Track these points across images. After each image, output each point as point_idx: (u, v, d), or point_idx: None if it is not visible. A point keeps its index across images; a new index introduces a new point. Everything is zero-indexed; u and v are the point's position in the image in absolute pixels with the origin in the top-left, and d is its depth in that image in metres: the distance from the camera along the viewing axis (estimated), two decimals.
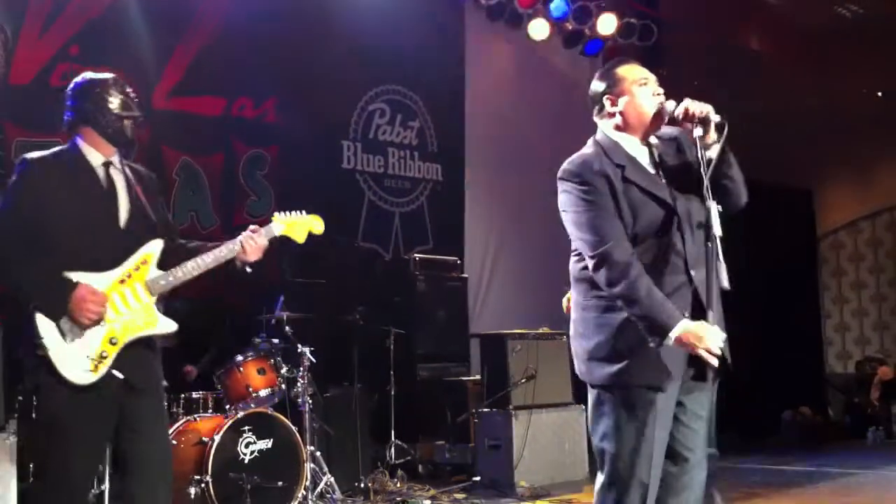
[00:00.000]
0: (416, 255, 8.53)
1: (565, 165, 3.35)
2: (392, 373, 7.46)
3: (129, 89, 3.70)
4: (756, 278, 9.94)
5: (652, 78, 3.38)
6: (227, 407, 5.91)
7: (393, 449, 7.32)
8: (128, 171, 3.70)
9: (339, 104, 8.80)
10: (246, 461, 5.53)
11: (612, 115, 3.36)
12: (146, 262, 3.56)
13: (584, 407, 6.87)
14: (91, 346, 3.42)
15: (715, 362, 3.06)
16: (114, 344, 3.45)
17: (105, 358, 3.43)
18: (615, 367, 3.20)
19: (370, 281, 8.23)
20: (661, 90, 3.36)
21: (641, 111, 3.31)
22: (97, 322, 3.43)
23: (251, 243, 3.70)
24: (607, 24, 10.22)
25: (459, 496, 6.72)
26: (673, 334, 3.06)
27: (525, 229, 9.84)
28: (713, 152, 3.18)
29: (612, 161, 3.27)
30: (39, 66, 6.84)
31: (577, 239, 3.31)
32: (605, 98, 3.37)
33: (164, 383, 3.84)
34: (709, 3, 10.44)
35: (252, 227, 3.77)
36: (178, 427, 5.60)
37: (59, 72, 6.81)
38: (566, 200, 3.32)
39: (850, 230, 12.97)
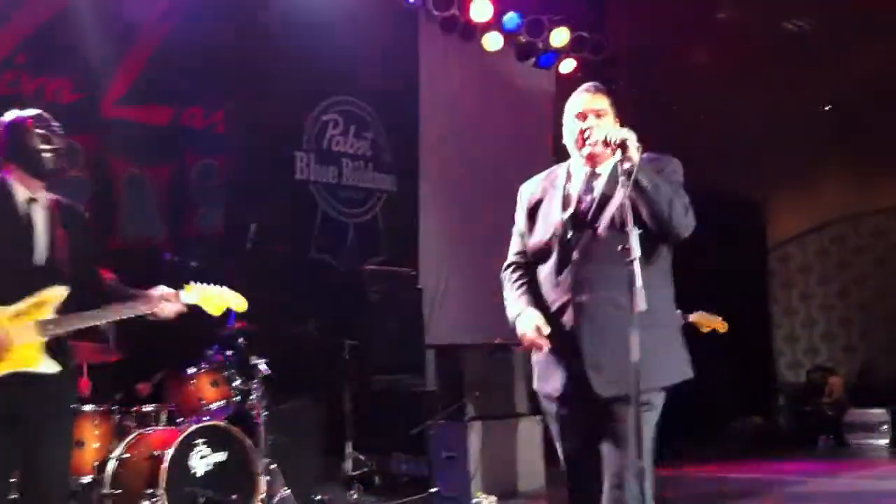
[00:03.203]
0: (370, 266, 8.48)
1: None
2: (346, 384, 7.39)
3: (53, 123, 3.76)
4: (706, 290, 9.98)
5: (594, 107, 3.44)
6: (180, 420, 5.81)
7: (350, 461, 7.25)
8: (55, 206, 3.75)
9: (291, 115, 8.73)
10: (199, 474, 5.41)
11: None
12: (44, 303, 3.57)
13: (539, 418, 6.89)
14: None
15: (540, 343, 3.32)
16: None
17: None
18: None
19: (324, 292, 8.15)
20: (596, 121, 3.42)
21: (568, 140, 3.53)
22: None
23: (164, 306, 3.80)
24: (560, 37, 10.31)
25: None
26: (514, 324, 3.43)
27: (479, 240, 9.81)
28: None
29: (547, 179, 3.59)
30: None
31: None
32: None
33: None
34: (657, 19, 10.55)
35: (166, 291, 3.81)
36: (129, 440, 5.48)
37: (6, 81, 6.68)
38: None
39: (799, 242, 13.11)
